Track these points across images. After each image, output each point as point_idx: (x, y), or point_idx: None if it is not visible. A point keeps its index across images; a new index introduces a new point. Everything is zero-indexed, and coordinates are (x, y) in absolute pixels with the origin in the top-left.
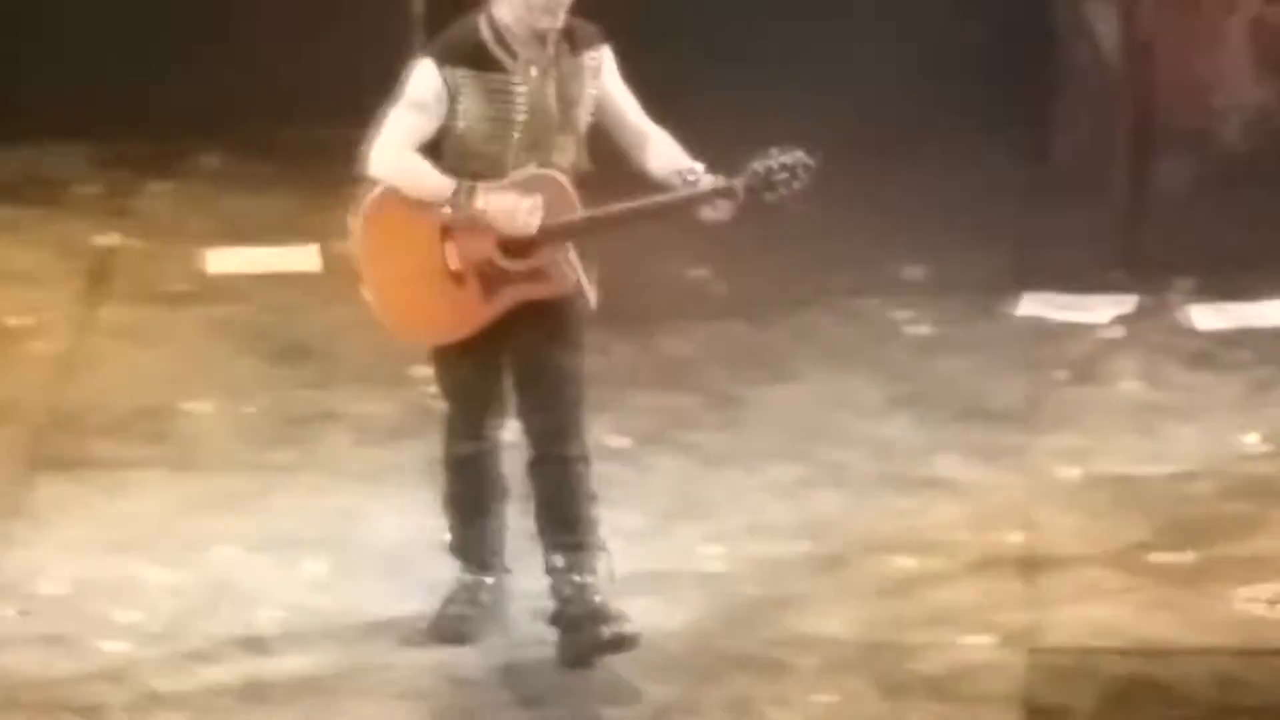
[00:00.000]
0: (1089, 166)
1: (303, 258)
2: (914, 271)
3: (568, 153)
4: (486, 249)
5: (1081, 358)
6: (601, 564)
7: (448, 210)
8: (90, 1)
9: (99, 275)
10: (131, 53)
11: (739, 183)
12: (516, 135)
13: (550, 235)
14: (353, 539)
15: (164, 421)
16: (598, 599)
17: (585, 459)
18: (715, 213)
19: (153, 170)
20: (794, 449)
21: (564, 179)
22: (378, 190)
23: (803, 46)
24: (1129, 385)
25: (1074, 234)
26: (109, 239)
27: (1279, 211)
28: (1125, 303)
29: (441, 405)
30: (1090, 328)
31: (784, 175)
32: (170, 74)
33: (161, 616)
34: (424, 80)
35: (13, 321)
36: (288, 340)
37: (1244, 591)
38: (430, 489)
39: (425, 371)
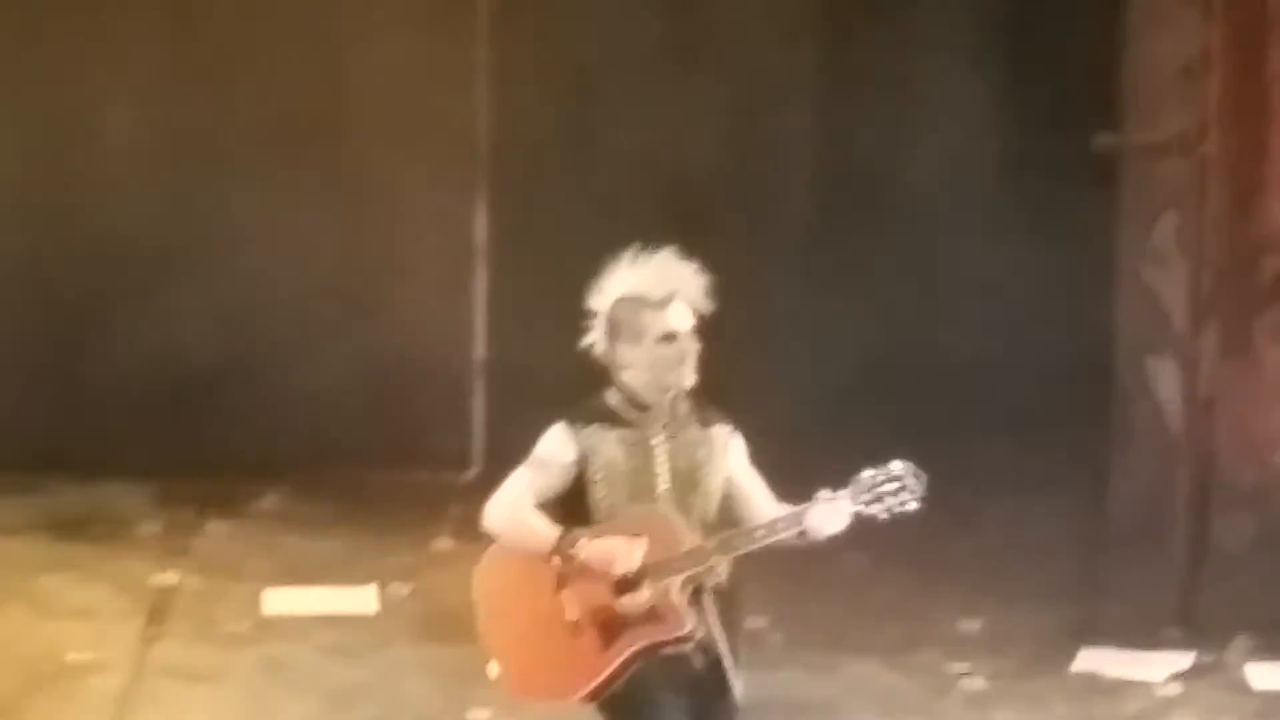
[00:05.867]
0: (1148, 522)
1: (360, 599)
2: (970, 624)
3: (707, 520)
4: (602, 594)
5: (1138, 715)
6: None
7: (555, 561)
8: (157, 347)
9: (158, 613)
10: (194, 396)
11: (845, 493)
12: (660, 493)
13: (659, 571)
14: None
15: None
16: None
17: None
18: (823, 532)
19: (213, 509)
20: None
21: (673, 517)
22: (493, 545)
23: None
24: None
25: (1132, 589)
26: (168, 577)
27: None
28: (1182, 660)
29: None
30: (1147, 685)
31: (892, 486)
32: (232, 416)
33: None
34: (552, 440)
35: (72, 657)
36: (345, 682)
37: None
38: None
39: (484, 714)
